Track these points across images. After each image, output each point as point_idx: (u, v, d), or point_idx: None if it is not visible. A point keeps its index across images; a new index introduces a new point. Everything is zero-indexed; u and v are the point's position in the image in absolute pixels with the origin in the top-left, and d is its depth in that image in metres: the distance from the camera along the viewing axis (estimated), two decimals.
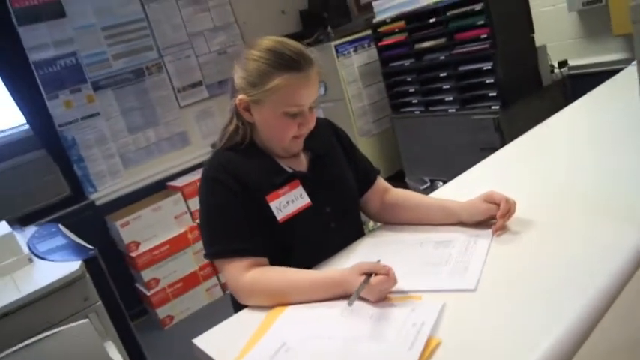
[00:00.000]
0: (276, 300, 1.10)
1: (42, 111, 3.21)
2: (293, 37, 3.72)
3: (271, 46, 1.15)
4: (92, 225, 3.32)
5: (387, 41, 3.22)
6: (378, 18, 3.22)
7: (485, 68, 2.68)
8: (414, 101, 3.20)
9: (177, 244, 3.36)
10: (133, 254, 3.27)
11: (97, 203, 3.46)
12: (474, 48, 2.71)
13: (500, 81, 2.65)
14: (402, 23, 3.07)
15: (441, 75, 2.95)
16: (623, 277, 0.83)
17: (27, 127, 3.25)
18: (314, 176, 1.28)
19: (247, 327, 1.03)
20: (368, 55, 3.51)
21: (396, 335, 0.84)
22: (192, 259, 3.42)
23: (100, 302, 1.77)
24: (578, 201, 1.18)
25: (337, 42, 3.42)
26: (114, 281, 1.95)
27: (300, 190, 1.24)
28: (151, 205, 3.37)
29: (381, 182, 1.41)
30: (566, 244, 1.01)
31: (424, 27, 2.95)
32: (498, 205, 1.14)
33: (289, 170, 1.26)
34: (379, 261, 1.04)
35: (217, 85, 3.94)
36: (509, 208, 1.14)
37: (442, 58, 2.90)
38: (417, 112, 3.20)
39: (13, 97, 3.12)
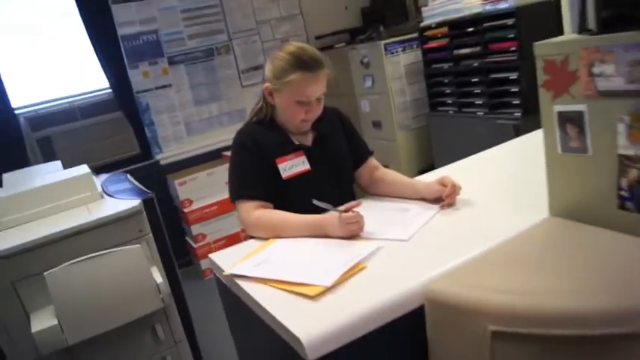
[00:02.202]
0: (274, 233, 1.49)
1: (123, 78, 3.74)
2: (351, 32, 4.08)
3: (293, 51, 1.54)
4: (155, 181, 3.80)
5: (431, 44, 3.51)
6: (426, 22, 3.51)
7: (511, 77, 2.94)
8: (449, 102, 3.48)
9: (225, 207, 3.81)
10: (186, 210, 3.76)
11: (161, 163, 3.97)
12: (504, 58, 2.97)
13: (524, 90, 2.90)
14: (445, 29, 3.34)
15: (474, 80, 3.22)
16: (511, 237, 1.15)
17: (109, 90, 3.80)
18: (316, 150, 1.66)
19: (249, 250, 1.42)
20: (415, 55, 3.79)
21: (338, 258, 1.21)
22: (236, 221, 3.85)
23: (150, 234, 2.20)
24: (504, 193, 1.49)
25: (387, 41, 3.72)
26: (167, 231, 2.37)
27: (303, 158, 1.62)
28: (206, 169, 3.84)
29: (372, 161, 1.77)
30: (487, 217, 1.34)
31: (464, 35, 3.22)
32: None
33: (297, 143, 1.64)
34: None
35: None
36: (454, 191, 1.47)
37: (476, 64, 3.17)
38: (451, 112, 3.48)
39: (101, 64, 3.66)
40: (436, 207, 1.49)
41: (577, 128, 1.10)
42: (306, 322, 0.99)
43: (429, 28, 3.47)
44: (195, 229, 3.78)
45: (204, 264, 3.80)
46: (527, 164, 1.67)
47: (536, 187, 1.27)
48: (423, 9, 3.52)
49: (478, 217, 1.37)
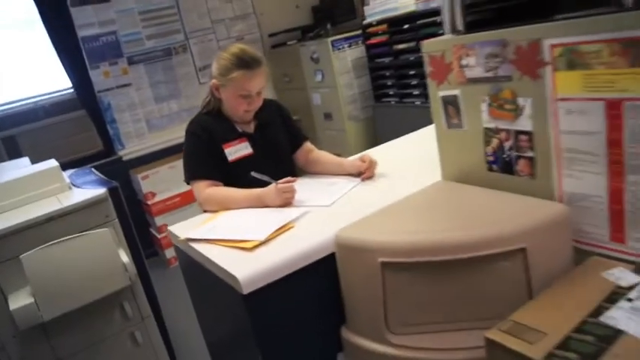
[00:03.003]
0: (223, 206, 1.76)
1: (85, 78, 3.92)
2: (303, 29, 4.33)
3: (235, 52, 1.80)
4: (119, 176, 3.96)
5: (373, 40, 3.81)
6: (368, 20, 3.81)
7: None
8: (391, 93, 3.79)
9: (186, 198, 4.03)
10: (150, 202, 3.97)
11: (124, 158, 4.16)
12: None
13: None
14: (385, 26, 3.65)
15: (411, 72, 3.54)
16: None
17: (72, 90, 3.97)
18: (258, 136, 1.93)
19: (200, 221, 1.69)
20: (360, 50, 4.08)
21: (272, 220, 1.49)
22: (197, 211, 4.08)
23: (116, 220, 2.43)
24: (415, 166, 1.79)
25: (334, 38, 4.01)
26: (133, 224, 2.59)
27: (246, 144, 1.88)
28: (168, 163, 4.05)
29: (307, 145, 2.05)
30: (396, 184, 1.64)
31: (401, 31, 3.53)
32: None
33: (240, 130, 1.91)
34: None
35: None
36: (371, 166, 1.77)
37: (412, 58, 3.48)
38: (393, 102, 3.79)
39: (63, 65, 3.84)
40: (358, 180, 1.78)
41: (455, 109, 1.40)
42: (243, 266, 1.27)
43: (370, 25, 3.77)
44: (159, 220, 3.99)
45: (168, 253, 4.01)
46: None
47: (438, 160, 1.57)
48: (365, 8, 3.82)
49: (389, 185, 1.67)
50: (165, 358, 2.64)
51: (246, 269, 1.25)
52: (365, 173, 1.78)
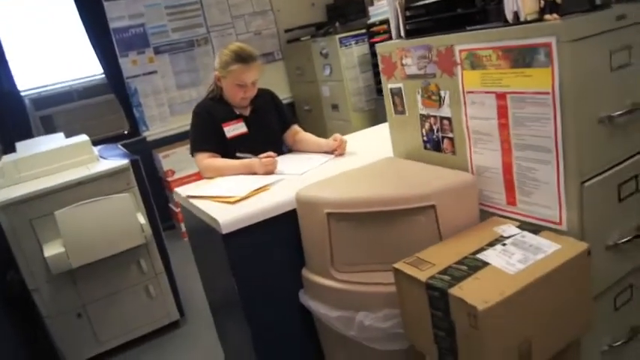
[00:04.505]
0: (219, 173, 2.14)
1: (115, 65, 4.36)
2: (317, 26, 4.68)
3: (233, 49, 2.18)
4: (142, 154, 4.39)
5: (376, 39, 4.14)
6: (372, 20, 4.14)
7: None
8: None
9: (201, 177, 4.42)
10: (169, 179, 4.39)
11: (148, 139, 4.59)
12: None
13: None
14: (385, 26, 3.97)
15: None
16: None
17: (103, 75, 4.41)
18: (252, 119, 2.31)
19: (207, 184, 2.08)
20: (366, 47, 4.42)
21: (253, 183, 1.86)
22: None
23: (136, 187, 2.84)
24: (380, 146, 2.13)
25: (341, 35, 4.35)
26: (153, 199, 2.97)
27: (242, 124, 2.27)
28: (186, 145, 4.43)
29: (294, 127, 2.42)
30: (358, 159, 1.98)
31: None
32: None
33: (237, 113, 2.29)
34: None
35: None
36: (341, 144, 2.13)
37: None
38: None
39: (96, 53, 4.28)
40: (331, 156, 2.15)
41: (400, 99, 1.74)
42: (224, 213, 1.65)
43: (374, 24, 4.10)
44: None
45: (184, 226, 4.42)
46: None
47: None
48: (370, 8, 4.15)
49: (352, 159, 2.03)
50: (174, 310, 3.05)
51: (226, 215, 1.63)
52: (337, 150, 2.14)
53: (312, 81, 4.85)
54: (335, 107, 4.67)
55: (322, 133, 4.18)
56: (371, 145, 2.21)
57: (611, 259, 1.40)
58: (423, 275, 1.28)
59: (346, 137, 2.42)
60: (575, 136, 1.25)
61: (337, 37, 4.34)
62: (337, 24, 4.52)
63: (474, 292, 1.16)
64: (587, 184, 1.30)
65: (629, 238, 1.41)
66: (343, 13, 4.95)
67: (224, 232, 1.61)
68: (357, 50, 4.43)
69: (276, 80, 5.16)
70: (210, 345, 2.59)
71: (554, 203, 1.34)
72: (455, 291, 1.18)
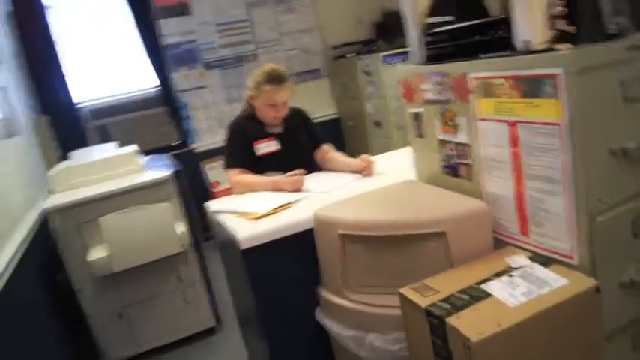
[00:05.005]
0: (249, 189, 2.22)
1: (167, 79, 4.56)
2: (364, 43, 4.73)
3: (266, 70, 2.27)
4: (190, 165, 4.59)
5: None
6: None
7: None
8: None
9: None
10: (214, 190, 4.54)
11: (196, 151, 4.76)
12: None
13: None
14: None
15: None
16: None
17: (155, 89, 4.63)
18: (284, 137, 2.38)
19: (234, 199, 2.16)
20: None
21: (276, 201, 1.93)
22: None
23: (176, 197, 2.97)
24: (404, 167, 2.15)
25: (385, 53, 4.38)
26: (199, 208, 3.07)
27: (273, 142, 2.34)
28: None
29: (325, 146, 2.48)
30: (380, 181, 2.01)
31: None
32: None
33: (269, 131, 2.37)
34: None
35: (297, 75, 5.08)
36: (369, 165, 2.16)
37: None
38: None
39: (149, 67, 4.50)
40: (359, 175, 2.19)
41: (420, 123, 1.77)
42: (245, 229, 1.72)
43: None
44: None
45: None
46: None
47: None
48: None
49: (377, 181, 2.06)
50: (209, 316, 3.15)
51: (246, 232, 1.70)
52: (364, 171, 2.18)
53: (356, 97, 4.89)
54: (378, 124, 4.70)
55: (365, 149, 4.22)
56: (399, 167, 2.23)
57: (626, 296, 1.36)
58: (424, 301, 1.30)
59: (379, 157, 2.47)
60: (583, 168, 1.24)
61: (381, 54, 4.38)
62: (381, 42, 4.56)
63: (470, 323, 1.17)
64: (599, 218, 1.28)
65: None
66: (390, 30, 4.97)
67: (243, 247, 1.68)
68: None
69: (321, 97, 5.25)
70: (242, 354, 2.66)
71: (564, 236, 1.33)
72: (452, 320, 1.19)
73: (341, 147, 4.99)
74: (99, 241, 2.76)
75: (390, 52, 4.41)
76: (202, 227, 3.36)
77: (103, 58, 4.56)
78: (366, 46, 4.86)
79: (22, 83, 3.71)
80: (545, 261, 1.36)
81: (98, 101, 4.55)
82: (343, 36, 5.17)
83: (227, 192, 4.50)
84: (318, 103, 5.17)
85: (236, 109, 2.61)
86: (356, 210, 1.68)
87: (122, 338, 2.94)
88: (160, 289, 3.00)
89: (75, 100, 4.35)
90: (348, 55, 4.94)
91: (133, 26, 4.40)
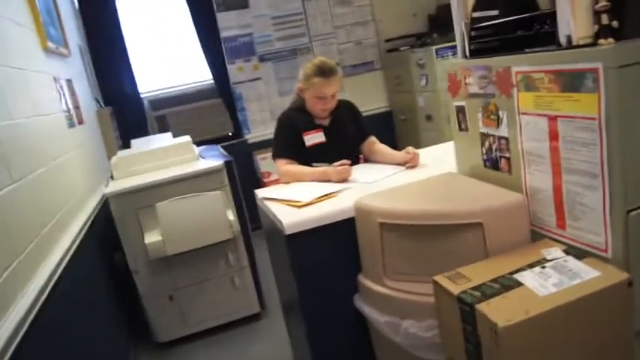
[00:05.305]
0: (296, 179, 2.30)
1: (223, 71, 4.72)
2: (418, 36, 4.73)
3: (316, 63, 2.34)
4: (243, 155, 4.74)
5: None
6: None
7: None
8: None
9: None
10: (266, 180, 4.66)
11: (249, 141, 4.90)
12: None
13: None
14: None
15: None
16: None
17: (212, 81, 4.80)
18: (331, 129, 2.44)
19: (281, 188, 2.25)
20: None
21: (321, 190, 1.99)
22: None
23: (227, 185, 3.09)
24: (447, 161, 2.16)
25: (438, 46, 4.36)
26: (248, 198, 3.14)
27: (320, 133, 2.41)
28: None
29: (371, 139, 2.52)
30: (423, 172, 2.04)
31: None
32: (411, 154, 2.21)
33: (318, 123, 2.44)
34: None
35: (351, 67, 5.13)
36: (414, 157, 2.20)
37: None
38: None
39: (206, 59, 4.67)
40: (403, 167, 2.22)
41: (463, 116, 1.79)
42: (289, 216, 1.80)
43: None
44: None
45: None
46: None
47: None
48: None
49: (420, 173, 2.09)
50: (255, 302, 3.27)
51: (290, 218, 1.78)
52: (409, 163, 2.21)
53: (408, 91, 4.89)
54: (429, 118, 4.69)
55: (416, 143, 4.23)
56: (443, 160, 2.25)
57: None
58: (456, 289, 1.34)
59: (424, 150, 2.49)
60: (621, 163, 1.24)
61: (434, 47, 4.37)
62: (435, 35, 4.54)
63: (499, 310, 1.20)
64: (632, 213, 1.27)
65: None
66: (444, 23, 4.93)
67: (287, 232, 1.76)
68: None
69: (374, 89, 5.28)
70: (285, 340, 2.75)
71: (600, 230, 1.33)
72: (482, 307, 1.23)
73: (392, 140, 5.04)
74: (154, 226, 2.91)
75: (443, 45, 4.39)
76: (252, 217, 3.47)
77: (164, 50, 4.77)
78: (420, 39, 4.84)
79: (87, 75, 3.94)
80: (580, 254, 1.37)
81: (158, 92, 4.76)
82: (397, 29, 5.17)
83: (277, 182, 4.63)
84: (370, 96, 5.21)
85: (287, 102, 2.70)
86: (395, 200, 1.73)
87: (172, 319, 3.10)
88: (209, 274, 3.14)
89: (139, 91, 4.57)
90: (401, 48, 4.95)
91: (192, 19, 4.57)
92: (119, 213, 2.91)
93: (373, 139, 2.55)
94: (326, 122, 2.47)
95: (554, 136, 1.41)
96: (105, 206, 3.00)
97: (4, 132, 1.73)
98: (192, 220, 2.90)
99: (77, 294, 2.16)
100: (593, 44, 1.28)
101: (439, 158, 2.27)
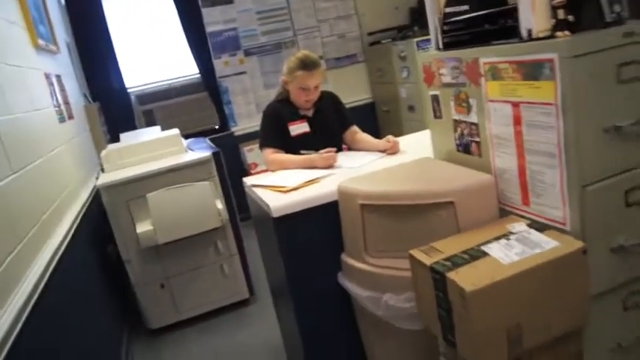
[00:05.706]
0: (282, 167, 2.42)
1: (209, 66, 4.81)
2: (399, 29, 4.85)
3: (299, 57, 2.45)
4: (230, 147, 4.83)
5: None
6: None
7: None
8: None
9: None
10: (252, 171, 4.77)
11: (235, 134, 5.01)
12: None
13: None
14: None
15: None
16: None
17: (198, 75, 4.88)
18: (315, 119, 2.56)
19: (268, 176, 2.36)
20: None
21: (305, 176, 2.11)
22: None
23: (216, 176, 3.19)
24: (425, 147, 2.29)
25: (419, 38, 4.49)
26: (236, 188, 3.28)
27: (305, 124, 2.53)
28: None
29: (353, 128, 2.65)
30: (401, 158, 2.16)
31: None
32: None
33: (302, 114, 2.56)
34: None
35: (334, 60, 5.24)
36: (394, 145, 2.33)
37: None
38: None
39: (192, 54, 4.75)
40: (383, 154, 2.36)
41: (438, 105, 1.92)
42: (276, 200, 1.92)
43: None
44: None
45: None
46: None
47: None
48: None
49: (399, 158, 2.23)
50: (244, 289, 3.39)
51: (277, 202, 1.90)
52: (389, 150, 2.34)
53: (390, 82, 5.03)
54: (411, 108, 4.82)
55: (398, 133, 4.35)
56: (420, 146, 2.38)
57: (616, 260, 1.49)
58: (429, 260, 1.47)
59: (403, 138, 2.62)
60: (575, 143, 1.38)
61: (415, 40, 4.49)
62: (416, 27, 4.67)
63: (467, 277, 1.33)
64: (589, 188, 1.41)
65: (638, 242, 1.49)
66: (425, 16, 5.04)
67: (274, 215, 1.88)
68: None
69: (357, 82, 5.40)
70: (274, 324, 2.87)
71: (559, 204, 1.47)
72: (451, 275, 1.36)
73: (375, 131, 5.17)
74: (145, 216, 3.01)
75: (425, 37, 4.50)
76: (240, 208, 3.58)
77: (150, 45, 4.84)
78: (401, 32, 4.97)
79: (75, 71, 4.01)
80: (542, 227, 1.51)
81: (145, 87, 4.83)
82: (380, 22, 5.29)
83: (264, 172, 4.76)
84: (354, 88, 5.33)
85: (273, 94, 2.81)
86: (375, 183, 1.86)
87: (164, 307, 3.21)
88: (199, 261, 3.25)
89: (126, 86, 4.65)
90: (383, 41, 5.07)
91: (178, 15, 4.65)
92: (111, 204, 3.00)
93: (355, 128, 2.67)
94: (310, 113, 2.58)
95: (517, 120, 1.54)
96: (96, 198, 3.09)
97: (4, 126, 1.82)
98: (182, 209, 3.01)
99: (72, 284, 2.25)
100: (551, 37, 1.41)
101: (418, 145, 2.40)
